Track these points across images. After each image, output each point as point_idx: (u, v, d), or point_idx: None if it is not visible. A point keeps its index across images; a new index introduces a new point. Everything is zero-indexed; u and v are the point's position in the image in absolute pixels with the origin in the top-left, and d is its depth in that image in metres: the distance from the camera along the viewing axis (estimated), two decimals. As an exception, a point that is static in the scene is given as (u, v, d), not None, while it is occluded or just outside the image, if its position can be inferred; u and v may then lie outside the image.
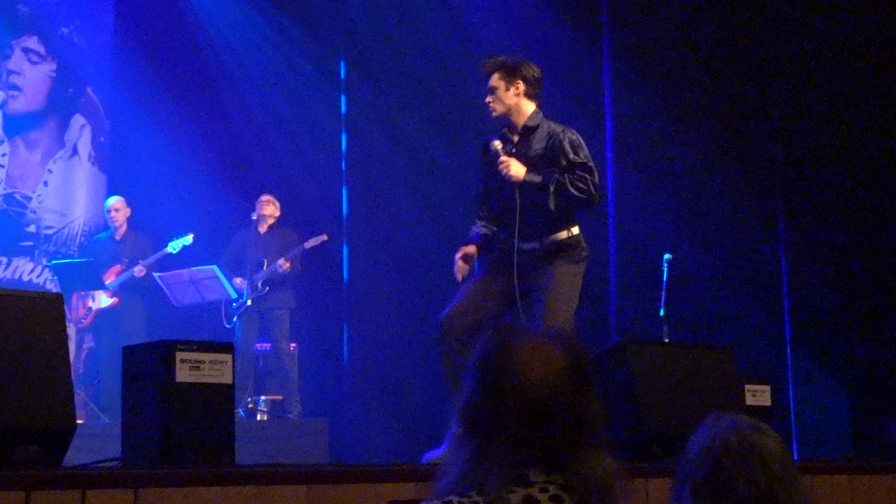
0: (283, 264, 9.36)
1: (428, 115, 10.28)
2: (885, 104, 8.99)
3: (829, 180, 9.26)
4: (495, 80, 5.81)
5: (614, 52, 9.96)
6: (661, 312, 8.31)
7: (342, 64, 11.14)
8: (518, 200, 5.62)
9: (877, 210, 9.02)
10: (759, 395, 5.61)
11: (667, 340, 7.88)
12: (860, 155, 9.10)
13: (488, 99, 5.80)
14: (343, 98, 11.07)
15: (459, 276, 5.76)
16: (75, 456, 3.79)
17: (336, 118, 11.05)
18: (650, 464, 4.49)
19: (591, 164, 5.71)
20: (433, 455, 5.17)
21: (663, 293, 8.35)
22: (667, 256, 8.48)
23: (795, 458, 5.27)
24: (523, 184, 5.61)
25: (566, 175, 5.61)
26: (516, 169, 5.62)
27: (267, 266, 9.43)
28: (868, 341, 8.90)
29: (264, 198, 9.75)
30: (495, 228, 5.81)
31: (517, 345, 2.16)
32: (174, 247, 9.51)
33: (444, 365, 5.60)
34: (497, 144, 5.76)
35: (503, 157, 5.67)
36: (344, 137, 11.01)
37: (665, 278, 8.42)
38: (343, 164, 10.99)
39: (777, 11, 9.42)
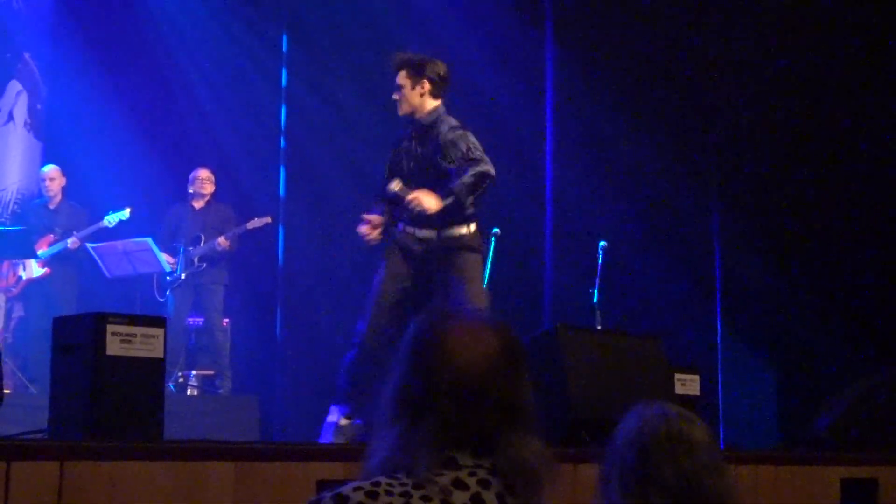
0: (223, 243, 9.32)
1: (370, 92, 10.24)
2: (818, 88, 9.10)
3: (764, 169, 9.37)
4: (402, 77, 5.95)
5: (557, 38, 10.00)
6: (595, 299, 8.36)
7: (284, 37, 11.07)
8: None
9: (810, 200, 9.14)
10: (688, 384, 5.67)
11: (599, 327, 7.94)
12: (795, 142, 9.21)
13: (395, 96, 5.94)
14: (284, 71, 10.99)
15: (367, 234, 5.95)
16: (2, 427, 3.76)
17: (276, 92, 10.98)
18: (578, 449, 4.52)
19: (479, 154, 5.97)
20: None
21: (597, 280, 8.40)
22: (602, 244, 8.53)
23: (721, 447, 5.33)
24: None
25: (462, 177, 5.82)
26: (429, 202, 5.76)
27: (205, 242, 9.37)
28: (798, 332, 9.02)
29: (200, 173, 9.68)
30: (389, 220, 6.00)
31: (450, 327, 2.16)
32: (110, 220, 9.42)
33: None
34: (395, 186, 5.88)
35: (410, 197, 5.78)
36: (283, 111, 10.94)
37: (599, 265, 8.47)
38: (282, 140, 10.92)
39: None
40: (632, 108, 9.65)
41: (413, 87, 5.92)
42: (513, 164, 9.89)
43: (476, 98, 9.96)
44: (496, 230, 8.26)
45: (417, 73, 5.93)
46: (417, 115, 5.97)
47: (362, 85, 10.02)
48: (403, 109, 5.95)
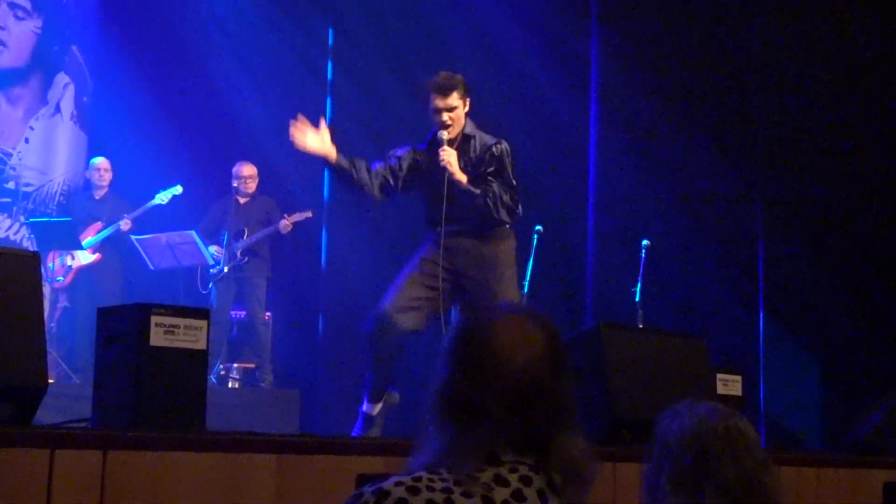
0: (286, 225, 9.44)
1: (415, 87, 10.24)
2: (866, 78, 9.03)
3: (810, 172, 9.29)
4: (455, 98, 5.93)
5: (602, 30, 9.95)
6: (637, 298, 8.34)
7: (330, 31, 11.08)
8: (446, 193, 5.81)
9: (857, 199, 9.07)
10: (730, 384, 5.64)
11: (641, 326, 7.91)
12: (842, 138, 9.14)
13: (448, 117, 5.89)
14: (330, 65, 11.00)
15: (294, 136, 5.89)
16: (45, 415, 3.78)
17: (321, 85, 10.99)
18: (619, 448, 4.50)
19: (515, 182, 5.94)
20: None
21: (640, 278, 8.37)
22: (645, 242, 8.51)
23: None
24: (458, 184, 5.82)
25: (502, 193, 5.86)
26: (456, 167, 5.83)
27: (248, 235, 9.43)
28: (843, 333, 8.95)
29: (244, 169, 9.73)
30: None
31: (497, 325, 2.14)
32: (163, 197, 9.50)
33: (377, 363, 5.95)
34: (445, 135, 5.87)
35: (447, 151, 5.83)
36: (329, 105, 10.96)
37: (642, 263, 8.45)
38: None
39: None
40: (676, 103, 9.60)
41: (464, 108, 5.97)
42: (556, 159, 9.88)
43: (520, 91, 9.95)
44: (539, 227, 8.25)
45: (467, 94, 5.98)
46: (456, 132, 5.98)
47: (407, 79, 10.02)
48: (455, 131, 5.95)
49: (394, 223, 10.01)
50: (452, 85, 5.93)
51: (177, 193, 9.53)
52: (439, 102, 5.90)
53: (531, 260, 8.23)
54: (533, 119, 9.78)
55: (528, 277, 8.18)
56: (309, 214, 9.65)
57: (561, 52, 10.02)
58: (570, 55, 10.07)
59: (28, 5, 10.64)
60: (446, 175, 5.82)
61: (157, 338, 3.74)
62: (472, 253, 5.90)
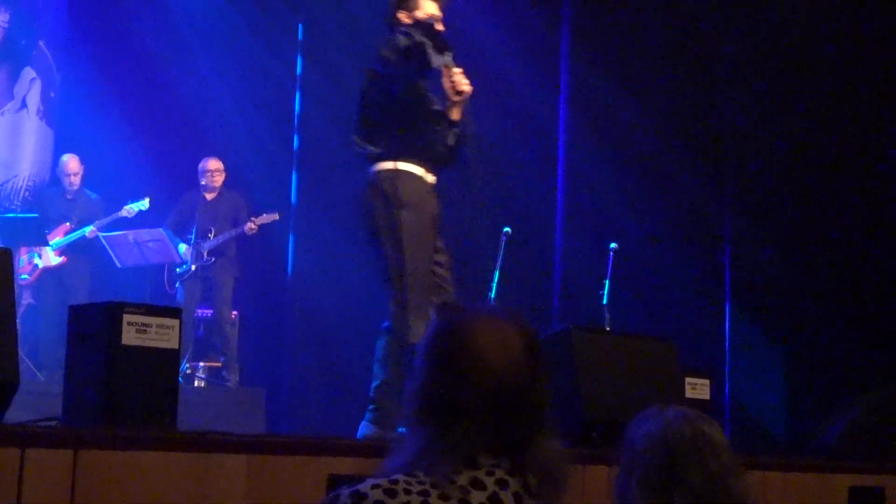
0: (252, 228, 9.39)
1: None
2: (834, 80, 9.09)
3: (778, 173, 9.35)
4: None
5: (573, 29, 9.95)
6: (604, 300, 8.37)
7: (300, 26, 11.04)
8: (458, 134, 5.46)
9: (825, 200, 9.13)
10: (699, 388, 5.67)
11: (608, 329, 7.94)
12: (810, 138, 9.19)
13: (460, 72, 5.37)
14: (299, 59, 10.97)
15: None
16: (10, 413, 3.76)
17: (292, 80, 10.96)
18: (588, 450, 4.51)
19: None
20: (366, 431, 5.20)
21: (607, 281, 8.40)
22: (613, 245, 8.53)
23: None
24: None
25: None
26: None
27: (215, 235, 9.40)
28: (810, 338, 9.01)
29: (210, 164, 9.69)
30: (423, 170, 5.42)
31: (474, 327, 2.14)
32: (130, 210, 9.44)
33: None
34: (448, 59, 5.29)
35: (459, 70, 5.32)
36: (298, 99, 10.93)
37: (610, 266, 8.47)
38: (295, 135, 10.90)
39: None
40: (646, 103, 9.63)
41: None
42: (525, 159, 9.88)
43: (488, 88, 9.92)
44: (507, 229, 8.25)
45: None
46: None
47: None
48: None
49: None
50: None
51: (144, 208, 9.46)
52: (436, 11, 5.47)
53: (499, 262, 8.23)
54: (501, 118, 9.79)
55: (495, 279, 8.19)
56: (275, 217, 9.62)
57: (531, 50, 10.02)
58: (540, 52, 10.07)
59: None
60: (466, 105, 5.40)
61: (128, 336, 3.73)
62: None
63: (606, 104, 9.72)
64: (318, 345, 10.16)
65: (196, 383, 9.25)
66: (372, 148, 5.37)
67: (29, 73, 10.76)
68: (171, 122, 10.52)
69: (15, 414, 4.04)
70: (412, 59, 5.19)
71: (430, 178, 5.43)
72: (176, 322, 3.87)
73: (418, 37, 5.19)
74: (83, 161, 9.81)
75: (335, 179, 10.33)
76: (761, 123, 9.46)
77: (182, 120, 10.57)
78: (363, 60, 10.07)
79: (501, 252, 8.24)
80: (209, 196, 9.65)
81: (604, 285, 8.40)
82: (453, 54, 5.33)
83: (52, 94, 10.85)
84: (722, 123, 9.73)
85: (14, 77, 10.67)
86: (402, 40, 5.22)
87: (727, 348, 9.51)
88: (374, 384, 5.27)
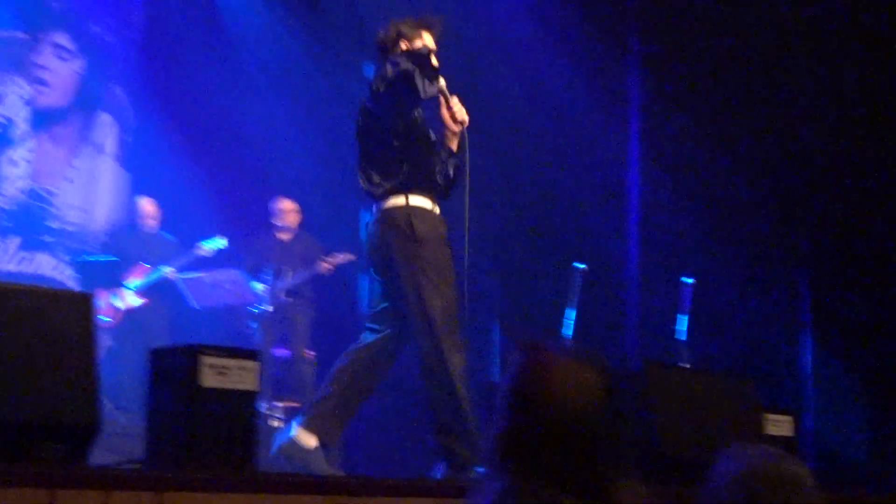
0: (327, 268, 9.42)
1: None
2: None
3: (856, 206, 9.21)
4: None
5: (643, 68, 9.88)
6: (681, 337, 8.28)
7: (367, 66, 11.10)
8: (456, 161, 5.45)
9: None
10: (781, 425, 5.58)
11: (686, 366, 7.85)
12: (888, 180, 9.06)
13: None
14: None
15: None
16: (94, 455, 3.80)
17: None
18: (665, 490, 4.47)
19: None
20: (440, 472, 5.17)
21: (684, 317, 8.32)
22: (688, 280, 8.45)
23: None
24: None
25: None
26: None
27: (292, 275, 9.45)
28: (892, 375, 8.86)
29: (284, 204, 9.75)
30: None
31: (553, 369, 2.13)
32: (206, 249, 9.49)
33: None
34: (443, 83, 5.39)
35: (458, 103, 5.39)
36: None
37: (685, 301, 8.39)
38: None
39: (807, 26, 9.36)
40: (721, 136, 9.51)
41: None
42: (595, 194, 9.82)
43: (558, 124, 9.92)
44: (582, 266, 8.20)
45: None
46: None
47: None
48: None
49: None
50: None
51: (221, 246, 9.52)
52: (431, 43, 5.51)
53: (574, 299, 8.17)
54: (570, 153, 9.77)
55: (571, 317, 8.13)
56: (352, 257, 9.64)
57: (600, 85, 9.97)
58: (608, 87, 10.02)
59: (72, 46, 10.75)
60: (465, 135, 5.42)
61: (208, 379, 3.76)
62: None
63: (678, 138, 9.65)
64: (393, 384, 10.15)
65: (274, 423, 9.26)
66: (378, 184, 5.34)
67: (105, 117, 10.93)
68: (245, 164, 10.61)
69: (99, 456, 4.09)
70: (400, 87, 5.15)
71: (437, 210, 5.42)
72: (254, 364, 3.90)
73: (405, 65, 5.15)
74: (159, 204, 9.93)
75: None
76: (839, 157, 9.34)
77: (254, 161, 10.65)
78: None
79: (576, 289, 8.18)
80: (284, 237, 9.72)
81: (679, 321, 8.32)
82: (447, 84, 5.39)
83: (127, 138, 11.01)
84: (799, 157, 9.61)
85: (90, 122, 10.85)
86: (389, 70, 5.21)
87: (810, 384, 9.36)
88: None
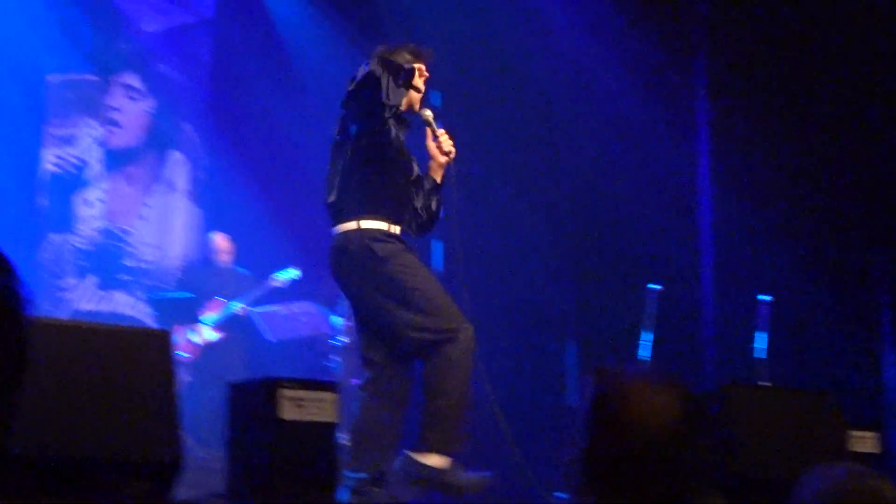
0: None
1: (529, 149, 10.20)
2: None
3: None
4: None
5: (711, 80, 9.77)
6: (759, 355, 8.19)
7: (437, 94, 11.13)
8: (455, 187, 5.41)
9: None
10: (865, 441, 5.49)
11: (765, 384, 7.76)
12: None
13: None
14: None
15: None
16: (176, 490, 3.83)
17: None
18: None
19: None
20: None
21: (763, 335, 8.22)
22: (764, 297, 8.35)
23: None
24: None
25: None
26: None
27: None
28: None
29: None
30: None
31: (632, 391, 2.12)
32: (279, 280, 9.54)
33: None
34: (429, 113, 5.38)
35: (445, 134, 5.38)
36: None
37: (764, 319, 8.30)
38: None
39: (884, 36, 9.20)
40: (796, 151, 9.36)
41: None
42: (665, 213, 9.74)
43: (627, 143, 9.85)
44: (656, 286, 8.13)
45: None
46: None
47: (511, 135, 10.01)
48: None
49: (511, 284, 10.02)
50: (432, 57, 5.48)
51: (294, 277, 9.57)
52: (427, 72, 5.46)
53: (649, 320, 8.11)
54: (642, 174, 9.71)
55: (648, 338, 8.07)
56: None
57: (668, 102, 9.88)
58: (677, 104, 9.91)
59: (141, 86, 10.89)
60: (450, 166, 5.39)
61: (287, 411, 3.78)
62: None
63: (750, 153, 9.54)
64: (473, 419, 10.12)
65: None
66: (341, 207, 5.30)
67: (176, 155, 11.05)
68: (316, 194, 10.66)
69: (181, 491, 4.13)
70: (365, 88, 5.09)
71: (393, 229, 5.30)
72: (333, 395, 3.92)
73: (375, 67, 5.09)
74: (232, 238, 10.02)
75: (479, 245, 10.36)
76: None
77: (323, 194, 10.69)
78: (504, 127, 10.21)
79: (652, 311, 8.11)
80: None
81: (758, 339, 8.22)
82: (434, 115, 5.40)
83: (199, 175, 11.13)
84: (877, 169, 9.46)
85: (162, 160, 10.98)
86: (360, 70, 5.17)
87: (893, 399, 9.20)
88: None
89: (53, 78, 10.30)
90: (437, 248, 10.86)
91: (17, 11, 9.67)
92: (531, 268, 10.04)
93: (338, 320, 9.49)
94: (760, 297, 8.35)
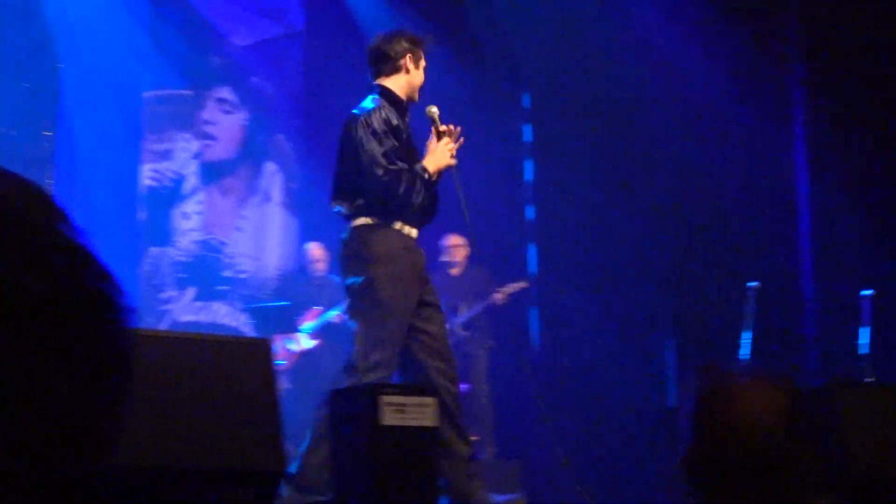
0: (501, 298, 9.45)
1: (618, 150, 10.13)
2: None
3: None
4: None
5: (807, 73, 9.60)
6: (863, 351, 8.03)
7: (526, 95, 11.12)
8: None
9: None
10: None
11: (871, 381, 7.61)
12: None
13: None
14: (529, 128, 11.03)
15: None
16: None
17: (519, 149, 11.03)
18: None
19: None
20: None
21: (866, 330, 8.05)
22: (868, 292, 8.18)
23: None
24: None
25: None
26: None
27: (467, 309, 9.51)
28: None
29: (452, 240, 9.81)
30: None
31: (738, 390, 2.09)
32: None
33: None
34: (435, 110, 5.42)
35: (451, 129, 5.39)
36: (529, 168, 10.98)
37: (866, 315, 8.13)
38: (530, 207, 10.92)
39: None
40: (893, 139, 9.18)
41: None
42: (766, 209, 9.60)
43: (723, 140, 9.73)
44: (755, 284, 8.00)
45: None
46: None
47: (606, 140, 9.95)
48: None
49: (607, 286, 9.96)
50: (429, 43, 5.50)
51: None
52: (425, 59, 5.50)
53: (750, 318, 7.97)
54: (738, 171, 9.59)
55: (748, 337, 7.94)
56: (524, 285, 9.67)
57: (764, 97, 9.71)
58: (773, 98, 9.75)
59: (235, 99, 11.02)
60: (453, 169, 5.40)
61: (388, 417, 3.79)
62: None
63: (847, 147, 9.37)
64: (569, 414, 10.09)
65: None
66: (345, 206, 5.32)
67: (270, 166, 11.16)
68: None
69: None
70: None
71: (410, 232, 5.31)
72: (432, 400, 3.92)
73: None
74: (327, 247, 10.08)
75: (575, 247, 10.32)
76: None
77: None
78: (597, 127, 10.15)
79: (751, 309, 7.96)
80: (455, 272, 9.78)
81: (861, 335, 8.06)
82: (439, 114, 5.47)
83: (293, 185, 11.22)
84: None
85: (257, 172, 11.09)
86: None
87: None
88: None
89: (149, 95, 10.47)
90: (532, 252, 10.86)
91: (114, 32, 9.84)
92: (628, 268, 9.97)
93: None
94: (863, 292, 8.19)
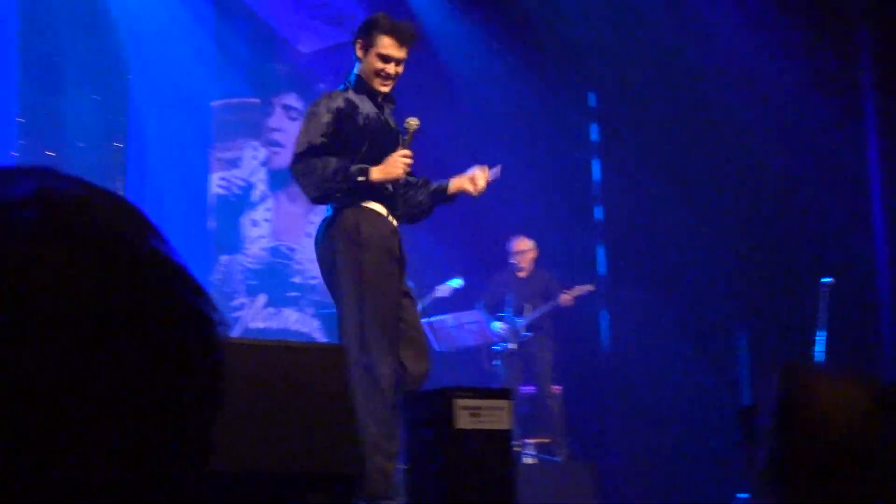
0: (568, 300, 9.45)
1: (684, 146, 10.06)
2: None
3: None
4: (406, 53, 5.41)
5: (878, 67, 9.46)
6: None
7: (591, 94, 11.08)
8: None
9: None
10: None
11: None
12: None
13: (395, 72, 5.34)
14: (595, 127, 11.00)
15: None
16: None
17: (586, 149, 10.99)
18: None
19: None
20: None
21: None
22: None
23: None
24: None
25: None
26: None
27: (532, 310, 9.50)
28: None
29: (522, 243, 9.81)
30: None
31: (819, 387, 2.07)
32: (444, 290, 9.61)
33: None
34: (413, 123, 5.36)
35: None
36: (597, 168, 10.94)
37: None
38: (598, 207, 10.88)
39: None
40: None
41: None
42: (839, 204, 9.49)
43: (794, 135, 9.62)
44: (829, 280, 7.88)
45: None
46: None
47: (680, 140, 9.89)
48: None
49: (677, 285, 9.90)
50: (416, 35, 5.40)
51: (457, 287, 9.62)
52: (394, 51, 5.27)
53: (824, 315, 7.84)
54: (810, 166, 9.47)
55: (822, 335, 7.82)
56: (591, 288, 9.64)
57: (834, 91, 9.56)
58: (843, 92, 9.59)
59: (301, 106, 11.09)
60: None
61: (463, 420, 3.80)
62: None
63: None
64: (641, 415, 10.05)
65: (526, 460, 9.26)
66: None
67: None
68: (476, 203, 10.66)
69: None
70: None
71: (392, 220, 5.29)
72: (506, 403, 3.93)
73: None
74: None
75: (644, 247, 10.26)
76: None
77: (486, 201, 10.70)
78: (666, 126, 10.08)
79: (825, 306, 7.83)
80: (522, 274, 9.78)
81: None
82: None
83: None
84: None
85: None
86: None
87: None
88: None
89: (217, 104, 10.57)
90: (601, 253, 10.82)
91: (181, 42, 9.95)
92: (698, 267, 9.90)
93: (499, 326, 9.53)
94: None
